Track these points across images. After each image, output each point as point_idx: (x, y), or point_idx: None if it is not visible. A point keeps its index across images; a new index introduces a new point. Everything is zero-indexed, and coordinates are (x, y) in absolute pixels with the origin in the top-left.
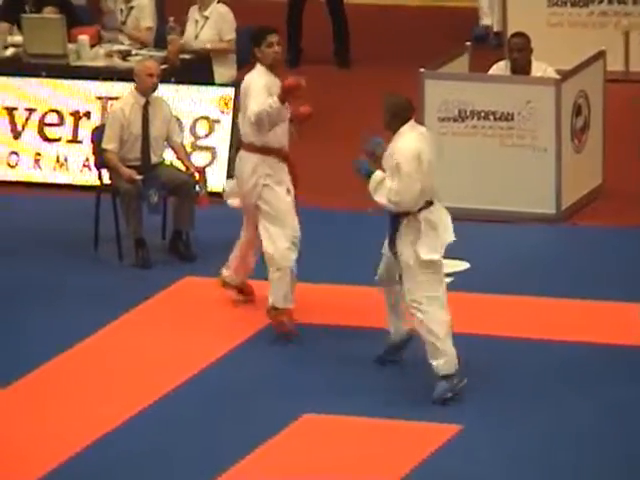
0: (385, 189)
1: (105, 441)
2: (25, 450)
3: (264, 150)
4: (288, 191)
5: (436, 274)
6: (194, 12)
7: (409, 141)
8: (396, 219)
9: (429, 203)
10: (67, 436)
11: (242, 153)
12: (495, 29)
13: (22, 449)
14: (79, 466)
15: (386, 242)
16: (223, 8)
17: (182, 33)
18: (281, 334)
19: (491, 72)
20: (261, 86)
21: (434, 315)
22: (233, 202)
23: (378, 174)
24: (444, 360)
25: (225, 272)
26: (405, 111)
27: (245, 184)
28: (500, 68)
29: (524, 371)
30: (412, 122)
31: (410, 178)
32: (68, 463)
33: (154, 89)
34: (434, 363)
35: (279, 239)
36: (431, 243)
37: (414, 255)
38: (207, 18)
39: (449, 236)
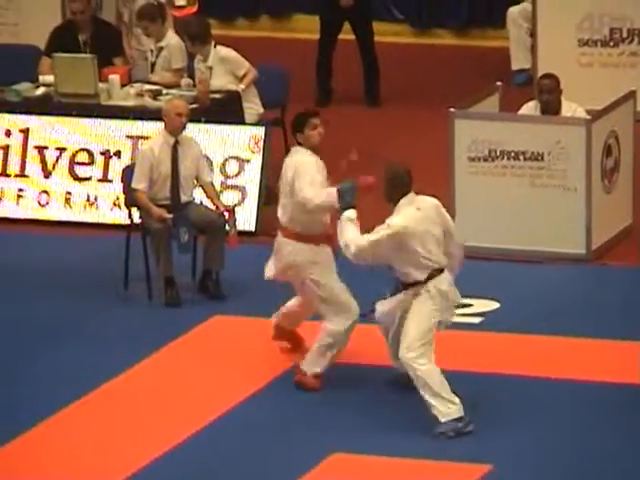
0: (352, 232)
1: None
2: None
3: (306, 237)
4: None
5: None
6: (198, 64)
7: (398, 217)
8: (403, 287)
9: (439, 271)
10: (95, 478)
11: (283, 240)
12: (526, 66)
13: None
14: None
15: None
16: (222, 51)
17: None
18: (301, 386)
19: (522, 112)
20: (314, 171)
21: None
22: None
23: (353, 213)
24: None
25: (274, 318)
26: (403, 183)
27: (289, 271)
28: (530, 108)
29: (554, 411)
30: (411, 195)
31: (377, 243)
32: None
33: (183, 128)
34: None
35: (339, 322)
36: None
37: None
38: (211, 68)
39: (458, 298)
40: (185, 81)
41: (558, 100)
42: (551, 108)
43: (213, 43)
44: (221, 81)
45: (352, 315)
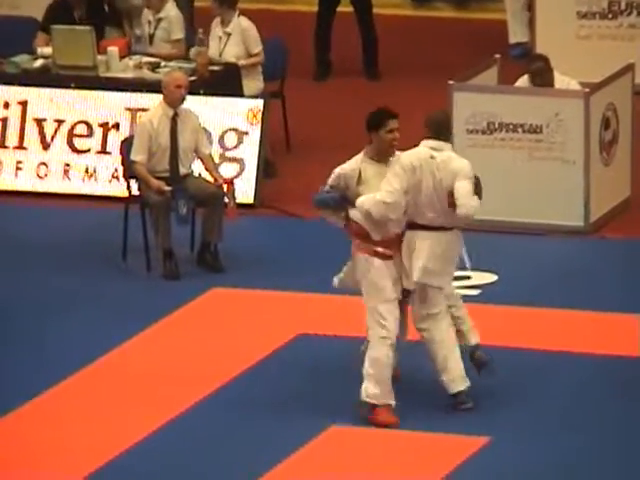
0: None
1: (133, 452)
2: (47, 458)
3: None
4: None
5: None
6: (216, 27)
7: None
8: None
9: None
10: (92, 448)
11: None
12: (523, 40)
13: (48, 457)
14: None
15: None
16: (245, 22)
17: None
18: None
19: (518, 84)
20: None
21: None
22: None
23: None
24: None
25: None
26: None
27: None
28: (525, 81)
29: (552, 383)
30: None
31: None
32: (90, 477)
33: (182, 101)
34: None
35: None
36: None
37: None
38: (229, 34)
39: None
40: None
41: (550, 80)
42: (543, 76)
43: (238, 12)
44: (234, 50)
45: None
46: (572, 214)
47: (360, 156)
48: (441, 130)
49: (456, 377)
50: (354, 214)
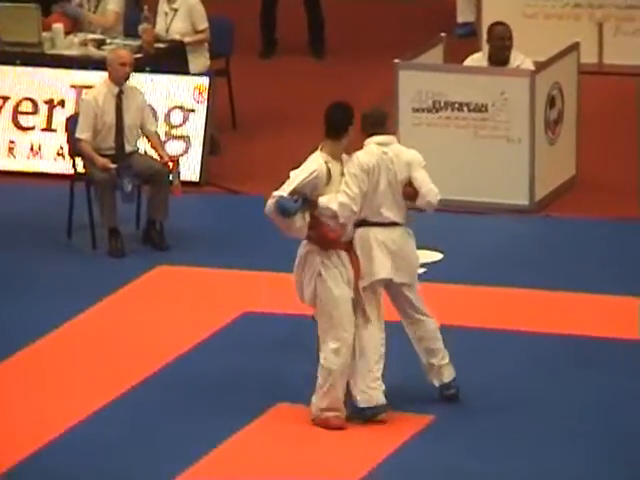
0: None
1: (74, 433)
2: None
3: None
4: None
5: None
6: (163, 4)
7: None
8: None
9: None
10: (33, 428)
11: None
12: (470, 19)
13: None
14: (47, 458)
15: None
16: None
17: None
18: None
19: (467, 64)
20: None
21: None
22: None
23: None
24: None
25: None
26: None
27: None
28: (475, 60)
29: (494, 362)
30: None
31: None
32: (35, 455)
33: (127, 78)
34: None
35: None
36: None
37: None
38: (176, 10)
39: None
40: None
41: (509, 48)
42: (502, 55)
43: None
44: (180, 26)
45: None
46: (517, 193)
47: (318, 155)
48: (384, 124)
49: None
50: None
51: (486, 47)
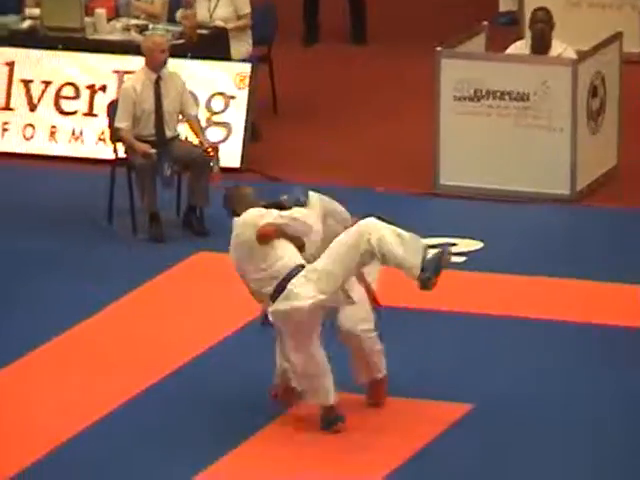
0: None
1: (110, 418)
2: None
3: None
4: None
5: None
6: None
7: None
8: None
9: None
10: (76, 409)
11: None
12: (512, 8)
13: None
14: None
15: None
16: None
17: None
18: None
19: (509, 51)
20: None
21: None
22: None
23: None
24: None
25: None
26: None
27: None
28: (518, 48)
29: (535, 351)
30: None
31: None
32: (81, 434)
33: (164, 64)
34: None
35: None
36: None
37: None
38: None
39: None
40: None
41: (550, 33)
42: (544, 39)
43: None
44: (224, 12)
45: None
46: (558, 182)
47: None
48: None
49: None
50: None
51: (529, 34)
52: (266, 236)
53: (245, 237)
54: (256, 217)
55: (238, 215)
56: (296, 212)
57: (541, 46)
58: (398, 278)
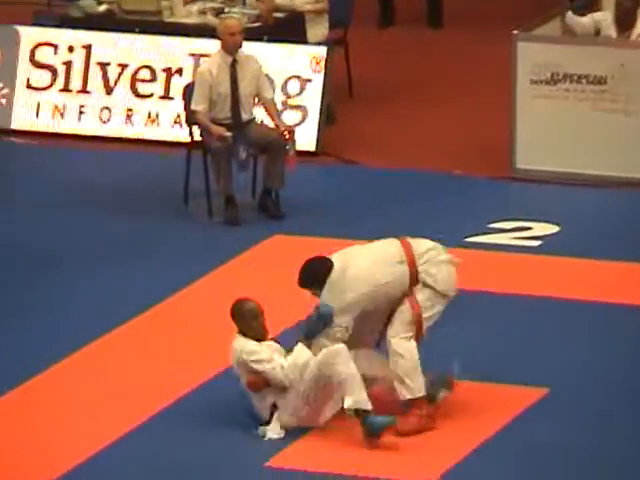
0: None
1: (189, 398)
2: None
3: None
4: None
5: None
6: None
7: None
8: None
9: None
10: (150, 391)
11: None
12: None
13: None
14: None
15: None
16: None
17: None
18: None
19: (585, 20)
20: None
21: None
22: None
23: None
24: None
25: None
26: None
27: None
28: (595, 19)
29: (610, 335)
30: None
31: None
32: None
33: (239, 47)
34: None
35: None
36: None
37: None
38: None
39: None
40: None
41: (636, 10)
42: (630, 16)
43: None
44: None
45: None
46: (636, 166)
47: None
48: None
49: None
50: None
51: (608, 5)
52: (255, 386)
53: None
54: (247, 354)
55: (240, 332)
56: (292, 358)
57: (626, 23)
58: (474, 262)
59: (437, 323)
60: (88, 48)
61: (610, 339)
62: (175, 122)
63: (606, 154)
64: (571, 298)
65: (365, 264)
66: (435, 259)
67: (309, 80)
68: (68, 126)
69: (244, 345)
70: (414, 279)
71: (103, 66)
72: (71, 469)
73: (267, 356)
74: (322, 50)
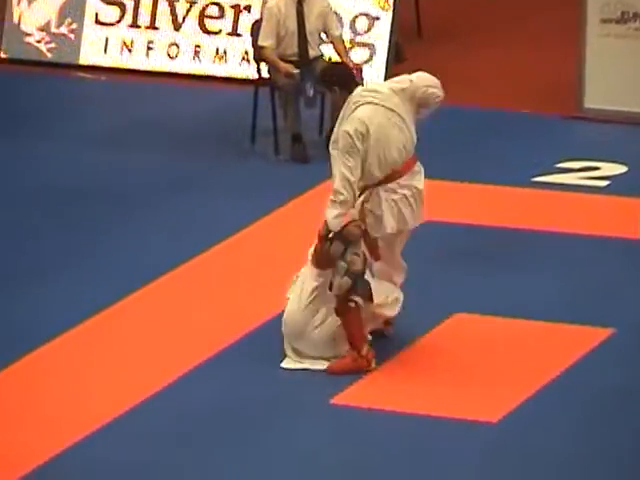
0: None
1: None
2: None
3: None
4: None
5: None
6: None
7: None
8: None
9: None
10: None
11: None
12: None
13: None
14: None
15: None
16: None
17: None
18: None
19: None
20: None
21: None
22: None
23: None
24: None
25: None
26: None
27: None
28: None
29: None
30: None
31: None
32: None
33: None
34: None
35: None
36: None
37: None
38: None
39: None
40: None
41: None
42: None
43: None
44: None
45: None
46: None
47: None
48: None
49: None
50: None
51: None
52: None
53: None
54: None
55: None
56: None
57: None
58: (542, 201)
59: (502, 264)
60: None
61: None
62: (243, 59)
63: None
64: (639, 239)
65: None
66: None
67: (377, 18)
68: (136, 62)
69: None
70: None
71: (171, 2)
72: (133, 406)
73: None
74: None
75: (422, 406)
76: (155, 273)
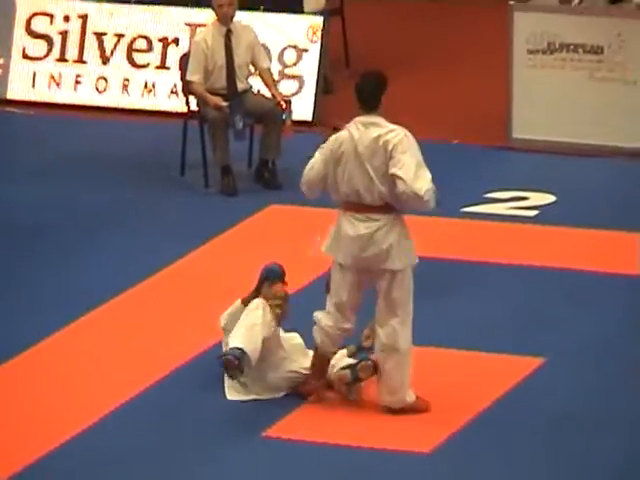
0: None
1: (187, 367)
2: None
3: None
4: None
5: None
6: None
7: None
8: None
9: None
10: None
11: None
12: None
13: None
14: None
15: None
16: None
17: None
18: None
19: None
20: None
21: None
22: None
23: None
24: None
25: None
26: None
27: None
28: None
29: (608, 304)
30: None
31: None
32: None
33: (232, 17)
34: None
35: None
36: None
37: None
38: None
39: None
40: None
41: None
42: None
43: None
44: None
45: None
46: (633, 136)
47: None
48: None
49: None
50: None
51: None
52: None
53: None
54: None
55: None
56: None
57: None
58: (470, 232)
59: (432, 293)
60: (84, 18)
61: (607, 308)
62: (171, 92)
63: (602, 124)
64: (567, 268)
65: None
66: None
67: (305, 50)
68: (64, 96)
69: None
70: None
71: (99, 36)
72: (87, 427)
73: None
74: (319, 20)
75: (355, 437)
76: (81, 308)
